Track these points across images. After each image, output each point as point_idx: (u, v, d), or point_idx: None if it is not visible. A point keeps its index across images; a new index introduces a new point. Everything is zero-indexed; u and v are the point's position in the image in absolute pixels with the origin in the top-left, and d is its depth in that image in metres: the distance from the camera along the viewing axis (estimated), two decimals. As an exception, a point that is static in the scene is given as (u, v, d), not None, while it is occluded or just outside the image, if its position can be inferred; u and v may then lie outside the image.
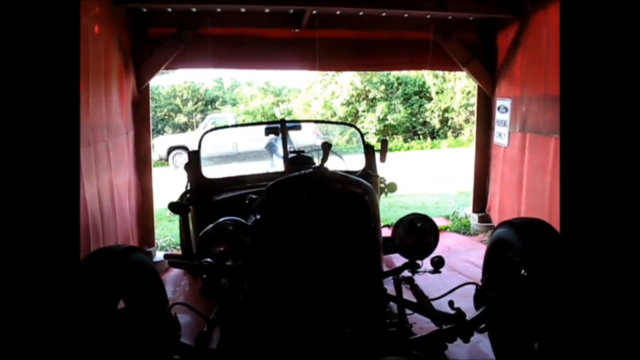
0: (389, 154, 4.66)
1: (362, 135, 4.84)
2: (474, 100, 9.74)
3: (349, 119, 18.98)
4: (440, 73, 18.51)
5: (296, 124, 4.93)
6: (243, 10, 5.50)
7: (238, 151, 14.65)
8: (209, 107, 21.91)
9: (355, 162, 4.74)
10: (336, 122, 19.01)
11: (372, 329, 2.60)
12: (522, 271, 2.67)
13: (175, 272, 5.28)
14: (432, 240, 2.75)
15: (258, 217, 2.98)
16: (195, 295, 4.29)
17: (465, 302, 2.72)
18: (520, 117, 5.72)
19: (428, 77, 19.30)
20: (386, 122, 19.07)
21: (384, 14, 5.79)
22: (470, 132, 17.65)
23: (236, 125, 9.77)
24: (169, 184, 7.78)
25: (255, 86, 22.08)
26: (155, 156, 15.47)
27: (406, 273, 2.79)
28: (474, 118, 8.83)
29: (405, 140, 19.26)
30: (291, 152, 3.71)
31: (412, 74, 19.63)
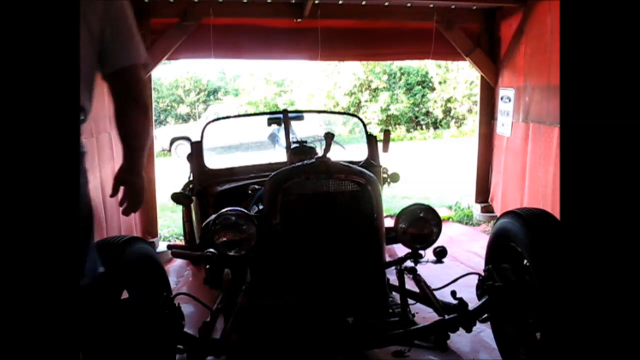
0: (391, 144, 4.65)
1: (364, 125, 4.82)
2: (477, 90, 9.70)
3: (352, 109, 18.93)
4: (443, 63, 18.41)
5: (299, 114, 4.92)
6: (245, 0, 5.49)
7: (240, 141, 14.62)
8: (212, 97, 21.87)
9: (358, 152, 4.74)
10: (339, 112, 18.96)
11: (375, 318, 2.61)
12: (525, 261, 2.67)
13: (178, 262, 5.29)
14: (434, 230, 2.75)
15: (261, 207, 2.99)
16: (198, 286, 4.30)
17: (468, 292, 2.73)
18: (524, 107, 5.70)
19: (431, 67, 19.21)
20: (389, 112, 19.02)
21: (386, 4, 5.77)
22: (473, 122, 17.59)
23: (239, 116, 9.73)
24: (171, 174, 7.78)
25: (257, 77, 22.02)
26: (157, 147, 15.47)
27: (409, 263, 2.80)
28: (476, 108, 8.80)
29: (408, 131, 19.21)
30: (294, 143, 3.71)
31: (414, 64, 19.53)
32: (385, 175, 4.69)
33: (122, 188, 2.21)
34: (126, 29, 1.95)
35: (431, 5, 5.85)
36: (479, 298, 2.73)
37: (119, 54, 1.93)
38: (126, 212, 2.20)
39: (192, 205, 4.50)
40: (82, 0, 1.58)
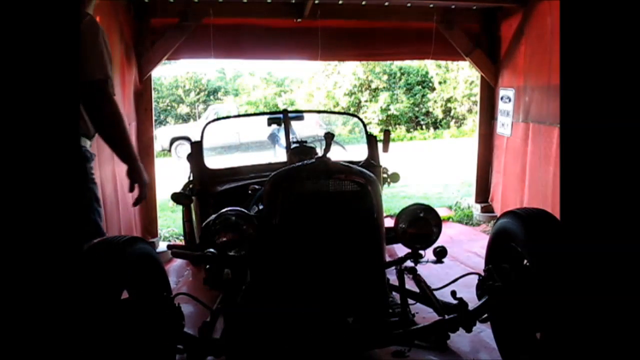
0: (391, 144, 4.65)
1: (364, 125, 4.82)
2: (477, 90, 9.71)
3: (352, 109, 18.94)
4: (443, 63, 18.44)
5: (299, 114, 4.92)
6: (245, 0, 5.48)
7: (240, 141, 14.63)
8: (211, 97, 21.87)
9: (358, 152, 4.73)
10: (339, 112, 18.97)
11: (375, 318, 2.61)
12: (525, 261, 2.67)
13: (178, 262, 5.29)
14: (434, 230, 2.75)
15: (261, 207, 2.99)
16: (198, 286, 4.31)
17: (468, 292, 2.73)
18: (524, 107, 5.70)
19: (431, 67, 19.23)
20: (389, 112, 19.03)
21: (386, 4, 5.77)
22: (473, 122, 17.60)
23: (239, 116, 9.75)
24: (171, 174, 7.78)
25: (257, 76, 22.03)
26: (157, 147, 15.47)
27: (409, 263, 2.80)
28: (476, 108, 8.81)
29: (408, 131, 19.22)
30: (294, 143, 3.71)
31: (414, 64, 19.55)
32: (385, 175, 4.69)
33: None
34: (93, 47, 2.42)
35: (431, 5, 5.85)
36: (479, 298, 2.73)
37: (83, 69, 2.31)
38: (138, 201, 2.84)
39: (192, 205, 4.49)
40: None
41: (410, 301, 2.74)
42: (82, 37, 2.30)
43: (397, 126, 19.08)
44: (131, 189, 2.76)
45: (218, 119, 5.19)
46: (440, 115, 19.54)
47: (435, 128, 19.47)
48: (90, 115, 2.54)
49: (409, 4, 5.82)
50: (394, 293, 2.90)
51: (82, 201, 2.56)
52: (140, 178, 2.74)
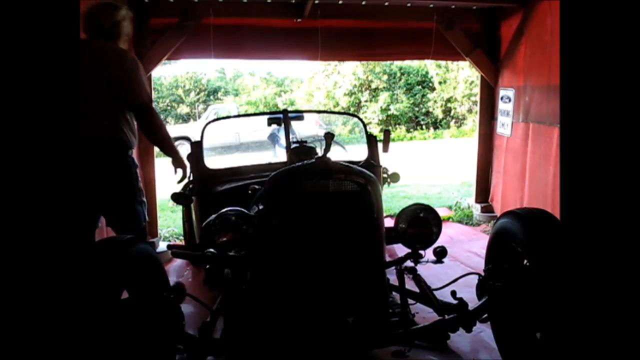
0: (391, 144, 4.65)
1: (364, 125, 4.82)
2: (477, 90, 9.71)
3: (352, 109, 18.95)
4: (443, 63, 18.45)
5: (299, 114, 4.91)
6: (245, 0, 5.48)
7: (240, 141, 14.63)
8: (212, 97, 21.88)
9: (358, 152, 4.73)
10: (339, 112, 18.97)
11: (375, 318, 2.61)
12: (525, 261, 2.67)
13: (178, 262, 5.29)
14: (434, 230, 2.75)
15: (261, 207, 2.98)
16: (198, 286, 4.31)
17: (468, 292, 2.73)
18: (524, 107, 5.70)
19: (431, 67, 19.24)
20: (389, 112, 19.04)
21: (386, 4, 5.77)
22: (473, 122, 17.61)
23: (239, 116, 9.74)
24: (171, 174, 7.78)
25: (257, 76, 22.03)
26: (158, 147, 15.42)
27: (409, 263, 2.80)
28: (476, 108, 8.80)
29: (408, 131, 19.22)
30: (294, 143, 3.71)
31: (414, 64, 19.56)
32: (385, 175, 4.69)
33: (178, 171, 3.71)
34: (137, 78, 3.17)
35: (431, 5, 5.85)
36: (479, 298, 2.73)
37: (133, 96, 3.18)
38: (182, 179, 3.84)
39: (192, 205, 4.49)
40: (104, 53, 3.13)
41: (410, 301, 2.74)
42: (129, 71, 3.13)
43: (397, 126, 19.09)
44: (175, 173, 3.76)
45: (218, 119, 5.18)
46: (440, 115, 19.54)
47: (435, 128, 19.47)
48: (142, 127, 3.35)
49: (409, 4, 5.81)
50: (394, 293, 2.90)
51: (141, 197, 3.45)
52: (182, 164, 3.70)
